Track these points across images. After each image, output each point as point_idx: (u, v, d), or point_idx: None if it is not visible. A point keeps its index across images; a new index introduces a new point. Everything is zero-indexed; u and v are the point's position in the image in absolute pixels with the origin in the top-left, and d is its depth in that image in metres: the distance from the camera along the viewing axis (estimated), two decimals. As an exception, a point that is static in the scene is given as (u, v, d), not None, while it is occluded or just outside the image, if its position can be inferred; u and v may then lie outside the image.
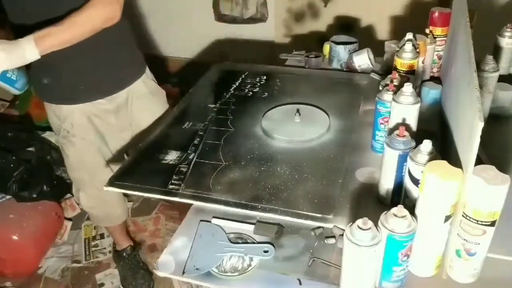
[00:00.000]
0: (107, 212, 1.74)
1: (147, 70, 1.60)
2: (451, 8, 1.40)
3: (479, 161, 0.74)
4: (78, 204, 2.31)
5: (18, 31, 1.23)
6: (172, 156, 1.17)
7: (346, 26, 2.50)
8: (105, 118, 1.51)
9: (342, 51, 1.63)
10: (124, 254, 1.92)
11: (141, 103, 1.55)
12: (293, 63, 1.75)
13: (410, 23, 1.40)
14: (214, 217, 1.05)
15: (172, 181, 1.07)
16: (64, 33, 1.20)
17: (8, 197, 2.01)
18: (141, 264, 1.93)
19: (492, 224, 0.76)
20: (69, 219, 2.23)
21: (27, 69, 1.34)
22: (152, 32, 2.99)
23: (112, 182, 1.08)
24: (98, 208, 1.71)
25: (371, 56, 1.58)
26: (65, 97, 1.43)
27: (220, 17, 2.67)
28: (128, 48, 1.52)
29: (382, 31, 2.47)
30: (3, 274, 1.93)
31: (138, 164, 1.17)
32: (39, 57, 1.18)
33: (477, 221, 0.76)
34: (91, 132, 1.50)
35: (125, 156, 1.58)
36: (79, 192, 1.65)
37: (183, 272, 0.92)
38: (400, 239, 0.76)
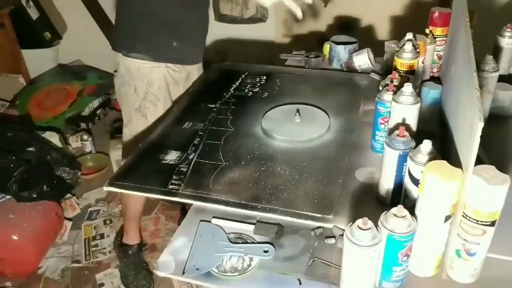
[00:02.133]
0: None
1: (201, 63, 1.72)
2: (451, 8, 1.40)
3: (479, 161, 0.74)
4: (78, 204, 2.32)
5: None
6: (172, 156, 1.17)
7: (346, 26, 2.50)
8: (178, 84, 1.63)
9: (342, 51, 1.63)
10: (130, 251, 1.91)
11: (189, 84, 1.67)
12: (293, 63, 1.75)
13: (410, 23, 1.40)
14: (214, 217, 1.05)
15: (172, 181, 1.07)
16: None
17: (8, 197, 2.01)
18: (144, 264, 1.93)
19: (492, 224, 0.76)
20: (69, 219, 2.23)
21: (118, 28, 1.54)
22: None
23: (112, 182, 1.08)
24: None
25: (371, 56, 1.58)
26: (173, 57, 1.55)
27: (220, 17, 2.67)
28: (207, 32, 1.67)
29: (382, 31, 2.47)
30: (3, 274, 1.93)
31: (138, 164, 1.16)
32: None
33: (477, 221, 0.76)
34: (168, 96, 1.61)
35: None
36: None
37: (183, 272, 0.92)
38: (400, 239, 0.76)
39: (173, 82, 1.61)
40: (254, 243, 0.98)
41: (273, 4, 1.25)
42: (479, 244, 0.79)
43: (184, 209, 2.01)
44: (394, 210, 0.77)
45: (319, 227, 0.98)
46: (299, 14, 1.25)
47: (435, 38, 1.39)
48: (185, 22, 1.51)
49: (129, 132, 1.65)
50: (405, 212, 0.76)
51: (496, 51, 1.36)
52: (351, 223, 0.76)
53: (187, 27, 1.53)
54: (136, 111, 1.58)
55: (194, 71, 1.68)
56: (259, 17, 2.63)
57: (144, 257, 1.96)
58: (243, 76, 1.60)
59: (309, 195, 1.02)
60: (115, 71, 1.60)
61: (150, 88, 1.54)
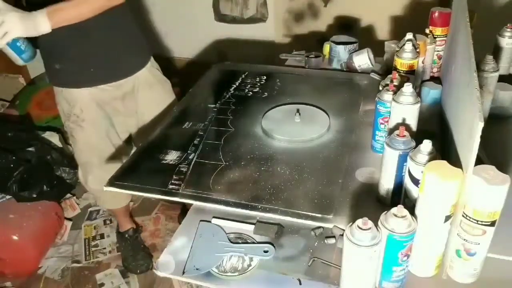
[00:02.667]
0: (113, 195, 1.78)
1: (152, 59, 1.66)
2: (451, 8, 1.40)
3: (479, 161, 0.74)
4: (78, 204, 2.32)
5: (30, 6, 1.30)
6: (172, 156, 1.17)
7: (346, 26, 2.50)
8: (113, 104, 1.58)
9: (342, 51, 1.63)
10: (126, 235, 2.00)
11: (147, 92, 1.62)
12: (293, 63, 1.75)
13: (410, 23, 1.40)
14: (214, 217, 1.05)
15: (172, 181, 1.07)
16: (74, 9, 1.30)
17: (8, 197, 2.01)
18: (142, 246, 2.02)
19: (492, 224, 0.76)
20: (69, 219, 2.23)
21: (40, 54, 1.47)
22: (152, 32, 2.99)
23: (112, 182, 1.08)
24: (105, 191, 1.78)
25: (371, 56, 1.58)
26: (76, 80, 1.50)
27: (220, 17, 2.67)
28: (134, 35, 1.58)
29: (382, 31, 2.47)
30: (3, 274, 1.93)
31: (138, 164, 1.17)
32: (50, 30, 1.27)
33: (477, 221, 0.76)
34: (100, 116, 1.57)
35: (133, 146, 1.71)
36: (87, 175, 1.71)
37: (183, 272, 0.92)
38: (400, 239, 0.76)
39: (105, 103, 1.56)
40: (254, 243, 0.98)
41: None
42: (479, 244, 0.79)
43: (184, 207, 2.03)
44: (394, 210, 0.77)
45: (319, 227, 0.98)
46: None
47: (435, 38, 1.39)
48: (103, 42, 1.46)
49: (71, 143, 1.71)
50: (405, 212, 0.76)
51: (496, 51, 1.36)
52: (351, 223, 0.76)
53: (106, 46, 1.48)
54: (66, 129, 1.62)
55: (141, 78, 1.59)
56: (259, 17, 2.63)
57: (142, 239, 2.06)
58: (243, 76, 1.60)
59: (309, 195, 1.02)
60: None
61: (73, 109, 1.54)
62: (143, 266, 1.94)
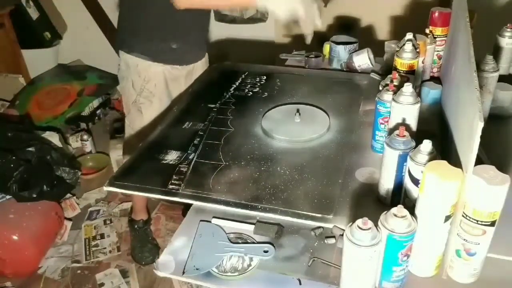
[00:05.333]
0: None
1: (207, 55, 1.77)
2: (451, 8, 1.40)
3: (479, 161, 0.74)
4: (78, 204, 2.32)
5: None
6: (172, 156, 1.17)
7: (346, 26, 2.50)
8: (179, 81, 1.67)
9: (342, 51, 1.63)
10: (136, 226, 2.04)
11: (191, 80, 1.70)
12: (293, 63, 1.75)
13: (410, 23, 1.40)
14: (214, 217, 1.05)
15: (172, 181, 1.07)
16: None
17: (8, 197, 2.01)
18: (150, 238, 2.05)
19: (492, 224, 0.76)
20: (69, 219, 2.23)
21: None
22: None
23: (112, 182, 1.08)
24: None
25: (371, 56, 1.58)
26: (162, 57, 1.57)
27: (220, 17, 2.67)
28: (207, 29, 1.73)
29: (382, 31, 2.47)
30: (3, 274, 1.93)
31: (138, 164, 1.16)
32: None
33: (477, 221, 0.76)
34: (166, 93, 1.65)
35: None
36: None
37: (183, 272, 0.92)
38: (400, 239, 0.76)
39: (172, 79, 1.65)
40: (254, 243, 0.98)
41: (286, 19, 1.26)
42: (479, 244, 0.79)
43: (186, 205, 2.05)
44: (394, 210, 0.77)
45: (319, 227, 0.98)
46: (308, 41, 1.31)
47: (435, 38, 1.39)
48: (185, 23, 1.53)
49: (128, 123, 1.74)
50: (405, 212, 0.76)
51: (496, 51, 1.36)
52: (351, 223, 0.76)
53: (187, 29, 1.55)
54: (133, 104, 1.65)
55: (198, 67, 1.71)
56: (259, 17, 2.63)
57: (151, 231, 2.08)
58: (243, 76, 1.60)
59: (309, 195, 1.02)
60: (119, 64, 1.65)
61: (146, 85, 1.59)
62: (148, 258, 1.98)
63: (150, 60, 1.56)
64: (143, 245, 2.01)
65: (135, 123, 1.70)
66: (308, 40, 1.31)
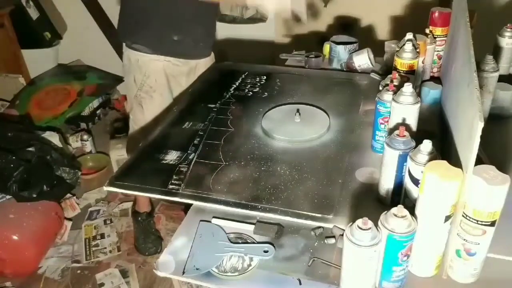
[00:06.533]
0: None
1: (212, 54, 1.77)
2: (451, 8, 1.40)
3: (479, 161, 0.74)
4: (78, 204, 2.32)
5: None
6: (172, 156, 1.17)
7: (346, 26, 2.50)
8: (179, 79, 1.68)
9: (342, 51, 1.63)
10: (140, 218, 2.08)
11: (193, 79, 1.71)
12: (293, 63, 1.75)
13: (410, 23, 1.40)
14: (214, 217, 1.05)
15: (172, 181, 1.07)
16: None
17: (8, 197, 2.01)
18: (153, 230, 2.09)
19: (492, 224, 0.76)
20: (69, 219, 2.23)
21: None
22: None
23: (112, 182, 1.08)
24: None
25: (371, 56, 1.58)
26: (160, 48, 1.57)
27: (220, 17, 2.67)
28: (214, 26, 1.73)
29: (382, 31, 2.47)
30: (3, 274, 1.93)
31: (138, 164, 1.16)
32: None
33: (477, 221, 0.76)
34: (167, 88, 1.67)
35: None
36: None
37: (183, 272, 0.92)
38: (400, 239, 0.76)
39: (173, 76, 1.65)
40: (254, 243, 0.98)
41: (275, 11, 1.26)
42: (479, 244, 0.79)
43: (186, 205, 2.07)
44: (394, 210, 0.77)
45: (319, 227, 0.98)
46: (304, 18, 1.30)
47: (435, 38, 1.39)
48: (187, 15, 1.53)
49: (132, 117, 1.76)
50: (405, 212, 0.76)
51: (496, 51, 1.36)
52: (351, 223, 0.76)
53: (189, 22, 1.55)
54: (134, 99, 1.67)
55: (201, 65, 1.71)
56: (259, 17, 2.63)
57: (154, 223, 2.12)
58: (243, 76, 1.60)
59: (309, 195, 1.02)
60: (123, 60, 1.67)
61: (147, 80, 1.61)
62: (151, 249, 2.03)
63: (150, 52, 1.56)
64: (147, 236, 2.05)
65: (137, 118, 1.72)
66: (304, 18, 1.30)
